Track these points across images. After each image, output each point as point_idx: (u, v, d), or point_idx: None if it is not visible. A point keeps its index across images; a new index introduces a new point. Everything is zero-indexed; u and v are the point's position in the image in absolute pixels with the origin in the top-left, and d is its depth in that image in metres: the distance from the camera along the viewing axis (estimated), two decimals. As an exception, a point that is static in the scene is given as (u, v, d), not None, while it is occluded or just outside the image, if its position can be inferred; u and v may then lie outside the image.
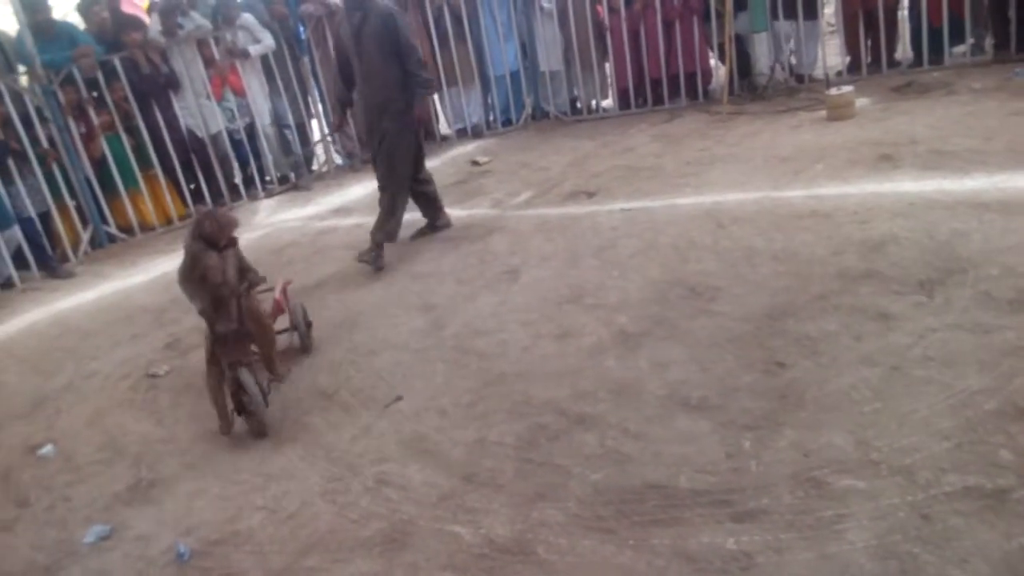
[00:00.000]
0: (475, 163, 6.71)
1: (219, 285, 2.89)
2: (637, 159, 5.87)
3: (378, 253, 4.59)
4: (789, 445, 2.39)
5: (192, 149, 6.62)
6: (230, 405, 3.04)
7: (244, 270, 3.04)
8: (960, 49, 6.61)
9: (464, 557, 2.22)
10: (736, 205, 4.43)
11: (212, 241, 2.87)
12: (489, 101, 7.82)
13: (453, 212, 5.49)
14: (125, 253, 6.13)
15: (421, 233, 5.03)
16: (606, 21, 7.26)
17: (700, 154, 5.63)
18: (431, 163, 7.03)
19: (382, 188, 4.71)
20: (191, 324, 4.33)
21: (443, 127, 8.04)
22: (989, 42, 6.49)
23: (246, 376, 2.95)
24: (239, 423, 3.11)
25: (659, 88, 7.25)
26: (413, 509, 2.46)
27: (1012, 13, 6.18)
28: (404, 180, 4.71)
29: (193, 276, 2.88)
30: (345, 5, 4.55)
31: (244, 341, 3.00)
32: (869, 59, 6.81)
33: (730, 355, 2.95)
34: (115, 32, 6.38)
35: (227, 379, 2.98)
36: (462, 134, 7.78)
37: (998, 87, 5.70)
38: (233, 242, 2.96)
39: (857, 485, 2.16)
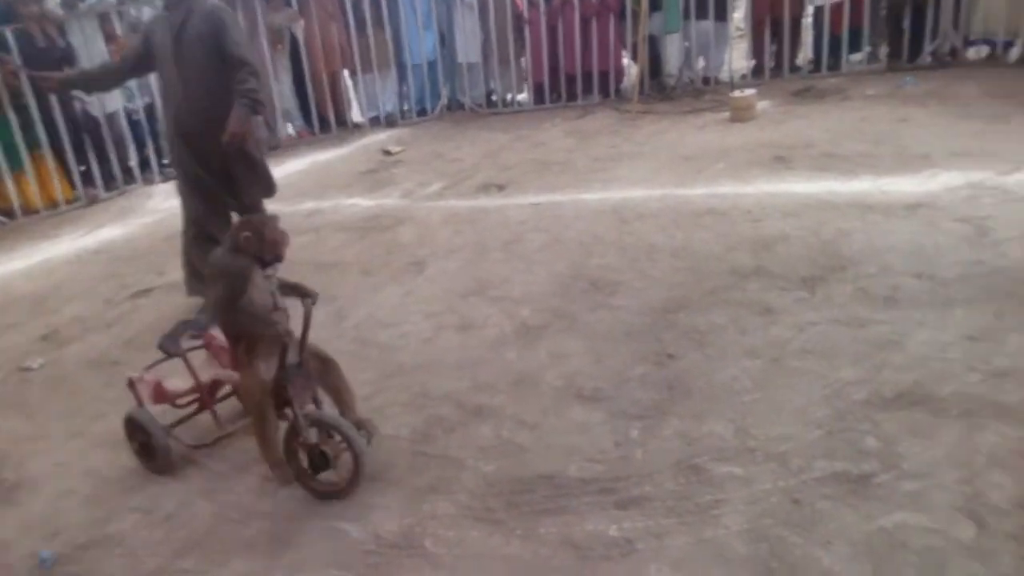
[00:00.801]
0: (387, 152, 6.62)
1: (271, 311, 2.33)
2: (549, 154, 5.92)
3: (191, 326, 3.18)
4: (674, 433, 2.45)
5: (85, 129, 6.26)
6: (303, 461, 2.41)
7: (291, 287, 2.43)
8: (857, 57, 6.96)
9: (350, 554, 2.18)
10: (641, 202, 4.53)
11: (259, 257, 2.31)
12: (405, 90, 7.73)
13: (362, 201, 5.41)
14: (4, 237, 5.75)
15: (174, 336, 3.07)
16: (526, 14, 7.28)
17: (610, 151, 5.72)
18: (340, 151, 6.97)
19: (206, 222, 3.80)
20: (72, 314, 4.11)
21: (355, 114, 7.90)
22: (884, 51, 6.85)
23: (336, 418, 2.39)
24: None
25: (573, 84, 7.32)
26: (300, 507, 2.39)
27: (907, 24, 6.54)
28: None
29: (242, 302, 2.28)
30: (164, 2, 3.75)
31: (311, 376, 2.43)
32: (772, 64, 7.07)
33: (625, 347, 3.01)
34: (9, 2, 5.96)
35: (300, 427, 2.35)
36: (375, 122, 7.67)
37: (889, 94, 6.02)
38: (281, 258, 2.38)
39: (735, 471, 2.24)
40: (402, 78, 7.65)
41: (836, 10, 6.66)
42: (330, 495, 2.39)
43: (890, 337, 2.78)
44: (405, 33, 7.35)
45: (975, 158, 4.38)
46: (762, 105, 6.08)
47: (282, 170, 6.34)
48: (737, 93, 6.03)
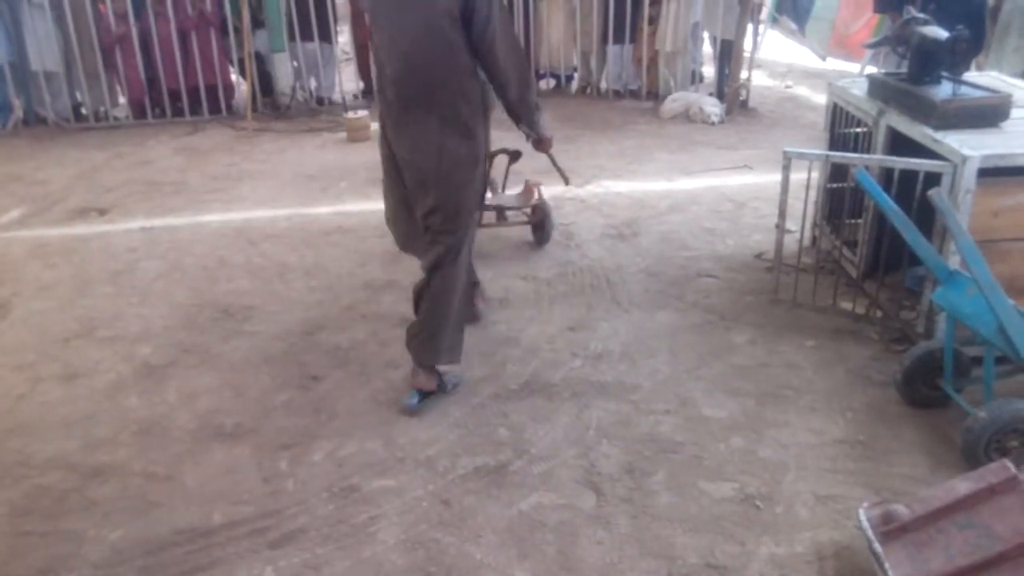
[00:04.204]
0: (-59, 175, 5.40)
1: None
2: (158, 173, 5.41)
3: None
4: (324, 457, 2.42)
5: None
6: None
7: None
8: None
9: None
10: (267, 222, 4.40)
11: None
12: (-39, 101, 6.38)
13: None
14: None
15: None
16: (113, 24, 6.51)
17: (228, 169, 5.45)
18: None
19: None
20: None
21: None
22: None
23: None
24: None
25: (179, 99, 6.79)
26: None
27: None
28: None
29: None
30: None
31: None
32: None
33: (265, 375, 2.90)
34: None
35: None
36: (-80, 139, 6.20)
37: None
38: None
39: (387, 484, 2.29)
40: (-43, 86, 6.30)
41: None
42: None
43: (508, 334, 3.11)
44: (-47, 32, 6.07)
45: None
46: (375, 126, 6.32)
47: None
48: (351, 114, 6.20)
